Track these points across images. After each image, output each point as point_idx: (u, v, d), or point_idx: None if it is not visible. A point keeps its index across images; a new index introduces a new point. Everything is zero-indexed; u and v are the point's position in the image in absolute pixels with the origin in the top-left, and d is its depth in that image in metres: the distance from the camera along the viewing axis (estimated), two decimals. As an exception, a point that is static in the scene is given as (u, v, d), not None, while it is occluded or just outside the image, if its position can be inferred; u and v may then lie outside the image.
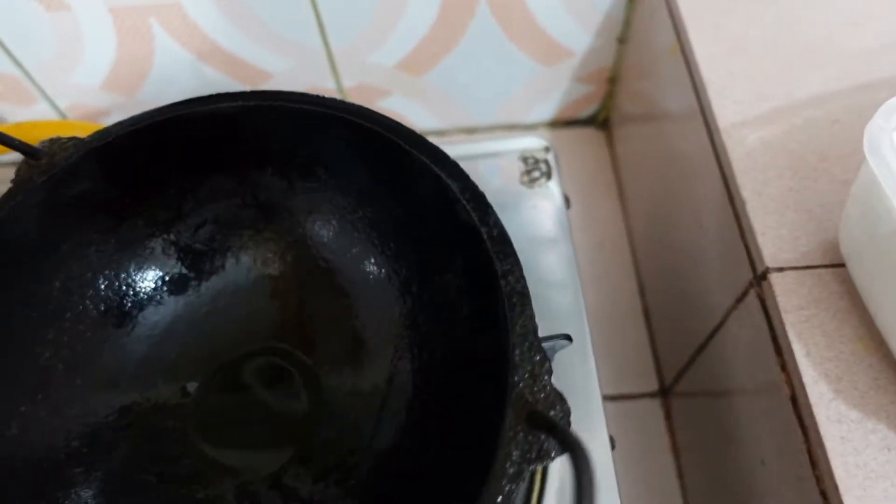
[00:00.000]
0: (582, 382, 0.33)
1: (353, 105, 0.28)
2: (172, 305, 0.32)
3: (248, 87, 0.35)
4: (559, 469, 0.30)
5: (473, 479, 0.20)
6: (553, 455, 0.20)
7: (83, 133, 0.28)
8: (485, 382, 0.23)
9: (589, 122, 0.58)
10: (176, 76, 0.48)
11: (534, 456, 0.20)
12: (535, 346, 0.22)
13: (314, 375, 0.30)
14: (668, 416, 0.44)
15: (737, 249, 0.31)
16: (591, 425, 0.32)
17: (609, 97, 0.55)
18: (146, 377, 0.30)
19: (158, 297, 0.32)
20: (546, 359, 0.22)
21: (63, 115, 0.51)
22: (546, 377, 0.21)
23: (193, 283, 0.32)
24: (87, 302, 0.30)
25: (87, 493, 0.27)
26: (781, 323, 0.27)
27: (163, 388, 0.30)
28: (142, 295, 0.31)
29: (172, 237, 0.31)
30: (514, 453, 0.20)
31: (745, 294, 0.30)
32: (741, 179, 0.31)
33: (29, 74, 0.47)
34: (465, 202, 0.25)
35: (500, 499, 0.19)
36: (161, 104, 0.29)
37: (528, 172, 0.40)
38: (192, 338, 0.31)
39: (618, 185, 0.54)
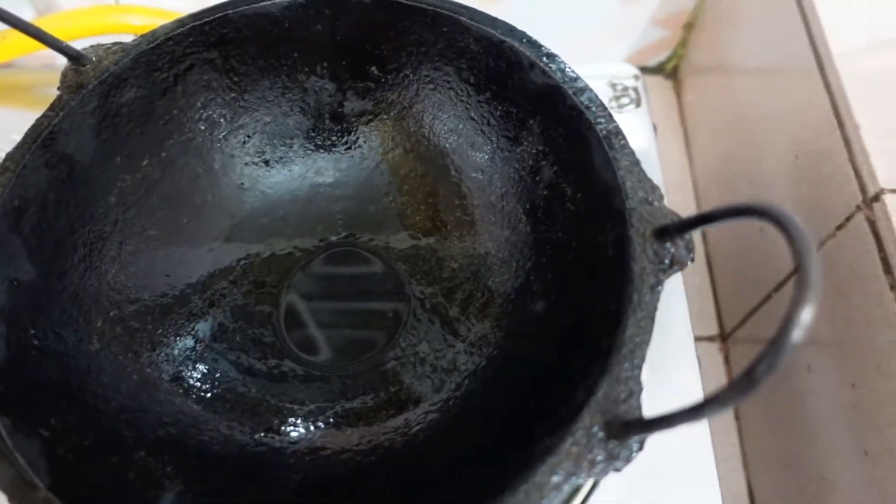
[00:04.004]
0: (671, 317, 0.33)
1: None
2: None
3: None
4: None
5: (613, 301, 0.21)
6: (690, 258, 0.21)
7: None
8: (601, 221, 0.23)
9: (657, 70, 0.57)
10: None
11: (668, 264, 0.21)
12: (643, 176, 0.22)
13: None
14: (727, 361, 0.44)
15: (842, 176, 0.31)
16: (682, 362, 0.32)
17: (682, 45, 0.54)
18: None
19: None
20: (655, 186, 0.22)
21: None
22: (658, 202, 0.22)
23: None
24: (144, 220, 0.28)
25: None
26: (895, 242, 0.27)
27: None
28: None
29: (219, 146, 0.30)
30: (648, 266, 0.21)
31: (848, 220, 0.30)
32: (855, 104, 0.30)
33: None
34: (542, 65, 0.25)
35: (642, 313, 0.20)
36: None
37: (617, 98, 0.39)
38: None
39: (684, 134, 0.54)
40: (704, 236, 0.49)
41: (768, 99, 0.39)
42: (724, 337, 0.45)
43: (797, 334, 0.14)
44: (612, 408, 0.19)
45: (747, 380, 0.14)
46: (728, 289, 0.45)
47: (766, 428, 0.39)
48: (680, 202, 0.50)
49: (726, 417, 0.43)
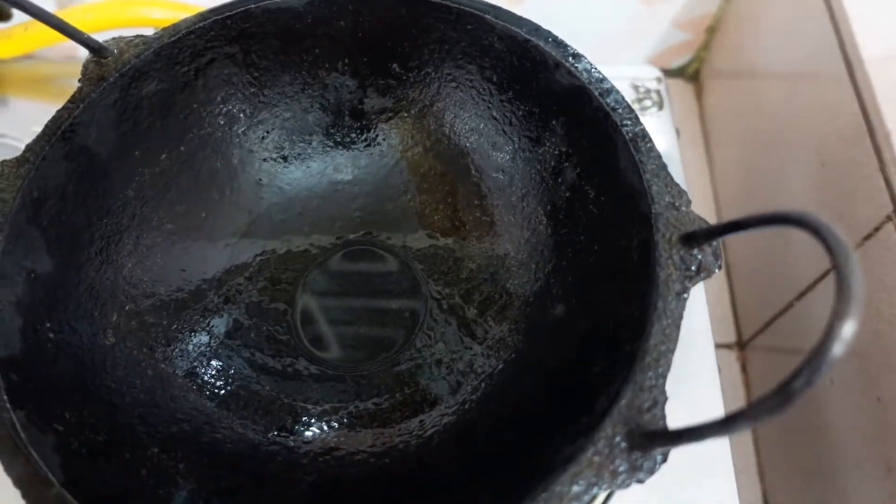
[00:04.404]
0: (695, 327, 0.32)
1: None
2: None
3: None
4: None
5: (636, 308, 0.20)
6: (717, 266, 0.21)
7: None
8: (626, 225, 0.23)
9: (678, 73, 0.56)
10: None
11: (694, 272, 0.21)
12: (669, 180, 0.22)
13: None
14: (744, 370, 0.44)
15: (871, 184, 0.30)
16: (702, 370, 0.31)
17: (704, 48, 0.53)
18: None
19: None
20: (683, 191, 0.22)
21: None
22: (685, 207, 0.22)
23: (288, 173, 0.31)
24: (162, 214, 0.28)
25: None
26: (927, 254, 0.26)
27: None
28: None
29: (238, 141, 0.30)
30: (675, 272, 0.20)
31: (877, 229, 0.29)
32: (886, 111, 0.30)
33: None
34: (568, 66, 0.25)
35: (667, 321, 0.19)
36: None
37: (640, 101, 0.39)
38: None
39: (704, 139, 0.53)
40: (724, 242, 0.48)
41: (793, 104, 0.39)
42: (741, 345, 0.44)
43: (838, 348, 0.13)
44: (636, 417, 0.19)
45: (782, 395, 0.14)
46: (747, 296, 0.44)
47: (783, 439, 0.39)
48: (699, 209, 0.50)
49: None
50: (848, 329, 0.13)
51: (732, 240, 0.47)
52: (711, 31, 0.52)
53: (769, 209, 0.41)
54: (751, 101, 0.45)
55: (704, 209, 0.50)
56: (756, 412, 0.14)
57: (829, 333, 0.13)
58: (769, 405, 0.14)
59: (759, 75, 0.44)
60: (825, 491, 0.33)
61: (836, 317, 0.13)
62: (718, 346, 0.45)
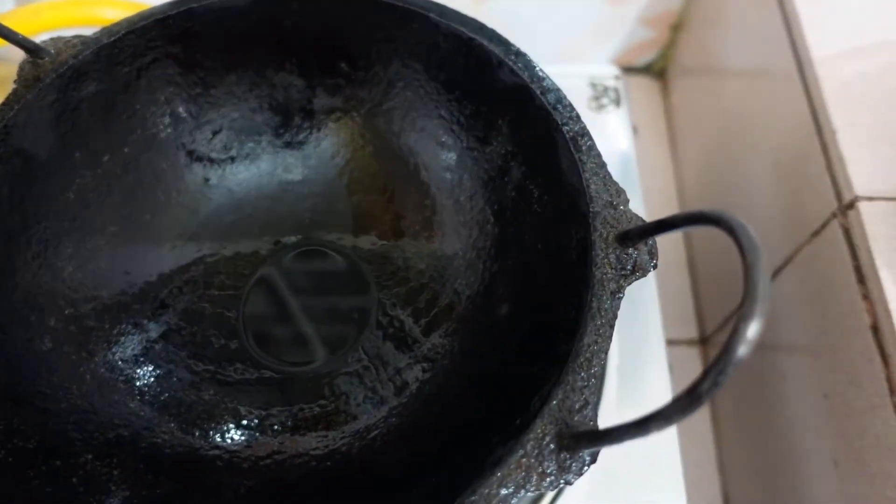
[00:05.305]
0: (644, 322, 0.32)
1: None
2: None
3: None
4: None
5: (573, 307, 0.20)
6: (652, 265, 0.21)
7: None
8: (566, 225, 0.23)
9: (644, 70, 0.56)
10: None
11: (630, 270, 0.21)
12: (608, 178, 0.22)
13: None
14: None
15: (819, 182, 0.30)
16: (653, 367, 0.31)
17: (670, 46, 0.54)
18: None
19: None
20: (621, 189, 0.22)
21: None
22: (623, 206, 0.22)
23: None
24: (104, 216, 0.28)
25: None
26: (868, 251, 0.26)
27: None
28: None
29: (184, 141, 0.30)
30: (610, 272, 0.20)
31: (823, 226, 0.30)
32: (833, 110, 0.30)
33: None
34: (510, 64, 0.25)
35: (601, 321, 0.20)
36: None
37: (597, 98, 0.39)
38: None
39: (669, 136, 0.53)
40: (688, 238, 0.48)
41: (752, 103, 0.39)
42: (703, 341, 0.45)
43: (742, 350, 0.13)
44: (566, 418, 0.19)
45: (691, 396, 0.14)
46: (710, 292, 0.45)
47: (743, 435, 0.39)
48: (663, 206, 0.50)
49: (702, 422, 0.42)
50: (752, 330, 0.13)
51: (696, 235, 0.47)
52: (676, 28, 0.52)
53: (729, 206, 0.42)
54: (713, 99, 0.45)
55: (668, 206, 0.50)
56: (668, 413, 0.14)
57: (734, 335, 0.13)
58: (680, 406, 0.14)
59: (721, 73, 0.44)
60: (780, 485, 0.34)
61: (742, 318, 0.13)
62: (680, 342, 0.45)
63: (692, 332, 0.45)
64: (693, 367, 0.44)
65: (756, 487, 0.36)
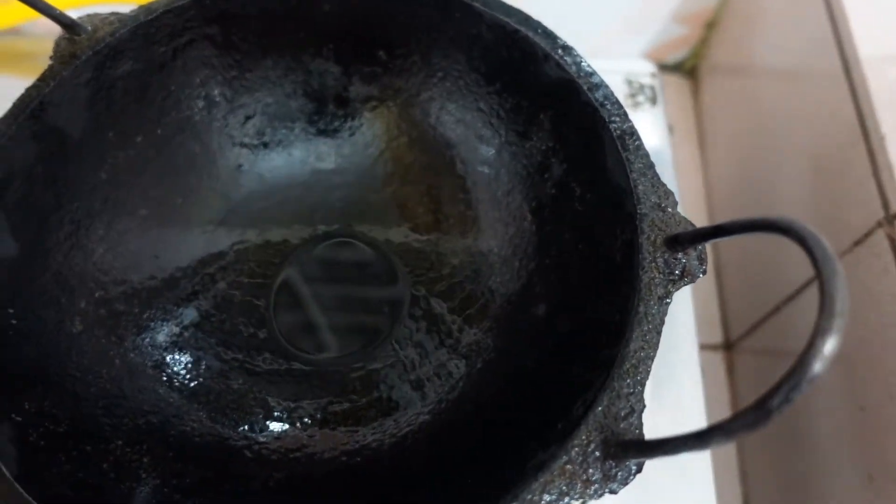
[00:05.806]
0: (676, 326, 0.32)
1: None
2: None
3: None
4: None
5: (617, 311, 0.20)
6: (701, 271, 0.20)
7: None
8: (610, 225, 0.22)
9: (675, 68, 0.55)
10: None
11: (678, 276, 0.20)
12: (656, 180, 0.22)
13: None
14: (731, 372, 0.43)
15: (863, 189, 0.29)
16: (685, 372, 0.31)
17: (702, 44, 0.53)
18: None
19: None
20: (669, 191, 0.21)
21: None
22: (672, 208, 0.21)
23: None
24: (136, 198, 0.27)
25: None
26: (917, 262, 0.26)
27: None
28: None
29: (217, 125, 0.29)
30: (658, 276, 0.20)
31: (867, 235, 0.29)
32: (881, 114, 0.29)
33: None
34: (557, 58, 0.24)
35: (647, 326, 0.19)
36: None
37: (633, 96, 0.38)
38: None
39: (699, 136, 0.52)
40: (714, 242, 0.48)
41: (790, 104, 0.38)
42: (728, 346, 0.44)
43: (818, 366, 0.13)
44: (612, 425, 0.18)
45: (760, 411, 0.13)
46: (736, 297, 0.44)
47: (767, 443, 0.38)
48: (691, 209, 0.49)
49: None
50: (830, 346, 0.13)
51: (723, 240, 0.46)
52: (710, 26, 0.51)
53: (761, 211, 0.41)
54: (747, 99, 0.44)
55: (696, 208, 0.49)
56: (733, 427, 0.14)
57: (810, 350, 0.13)
58: (746, 421, 0.14)
59: (756, 73, 0.43)
60: (806, 497, 0.33)
61: (819, 333, 0.13)
62: (705, 346, 0.44)
63: (717, 336, 0.45)
64: (717, 372, 0.44)
65: (780, 498, 0.36)
